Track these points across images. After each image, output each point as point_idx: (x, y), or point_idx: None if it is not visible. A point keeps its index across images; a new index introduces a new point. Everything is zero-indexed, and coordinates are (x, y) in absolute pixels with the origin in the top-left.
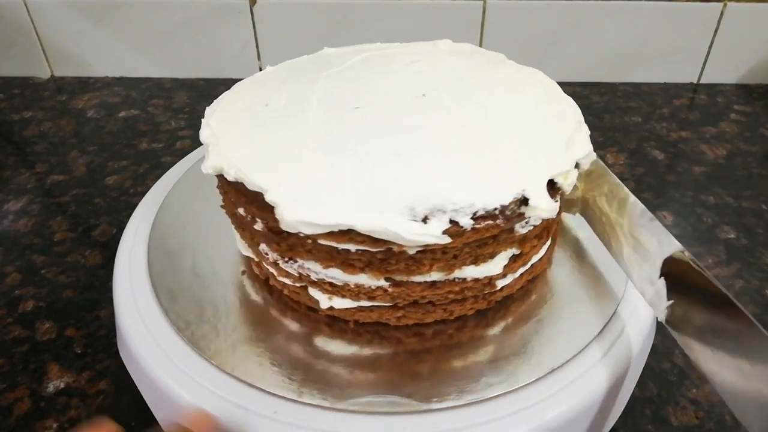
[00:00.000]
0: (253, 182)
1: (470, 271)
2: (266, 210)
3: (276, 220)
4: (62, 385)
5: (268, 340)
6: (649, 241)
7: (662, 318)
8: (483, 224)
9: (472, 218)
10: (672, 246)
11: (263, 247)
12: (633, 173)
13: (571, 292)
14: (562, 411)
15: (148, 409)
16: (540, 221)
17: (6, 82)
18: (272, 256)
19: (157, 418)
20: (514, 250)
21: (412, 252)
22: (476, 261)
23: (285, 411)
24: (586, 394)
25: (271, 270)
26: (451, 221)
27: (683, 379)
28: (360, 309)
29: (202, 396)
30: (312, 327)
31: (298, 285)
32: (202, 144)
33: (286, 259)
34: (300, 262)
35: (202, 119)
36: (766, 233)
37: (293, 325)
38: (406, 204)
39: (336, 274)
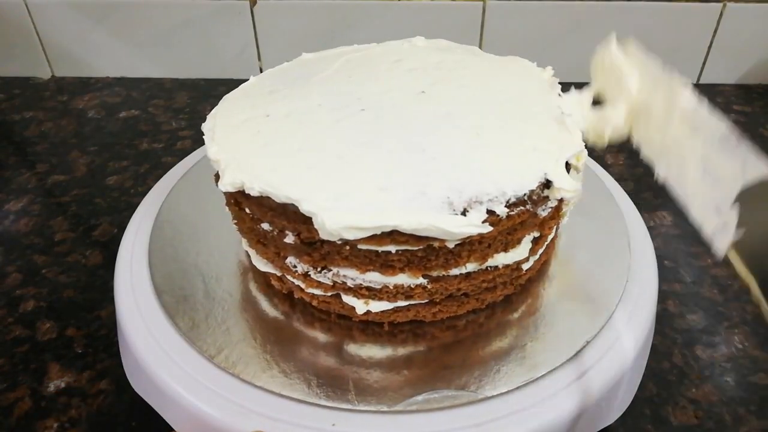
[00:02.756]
0: (283, 194)
1: (501, 258)
2: (299, 221)
3: (310, 230)
4: (63, 385)
5: (302, 353)
6: (729, 165)
7: (722, 251)
8: (515, 210)
9: (506, 206)
10: (757, 169)
11: (291, 260)
12: (632, 173)
13: (578, 272)
14: (608, 376)
15: (149, 408)
16: (556, 203)
17: (7, 83)
18: (302, 268)
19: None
20: (535, 233)
21: (451, 246)
22: (506, 248)
23: (343, 422)
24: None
25: (298, 283)
26: (488, 211)
27: (682, 379)
28: (396, 310)
29: (234, 414)
30: (344, 335)
31: (329, 294)
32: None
33: (319, 269)
34: (334, 270)
35: (204, 137)
36: None
37: (325, 336)
38: (443, 199)
39: (374, 278)
